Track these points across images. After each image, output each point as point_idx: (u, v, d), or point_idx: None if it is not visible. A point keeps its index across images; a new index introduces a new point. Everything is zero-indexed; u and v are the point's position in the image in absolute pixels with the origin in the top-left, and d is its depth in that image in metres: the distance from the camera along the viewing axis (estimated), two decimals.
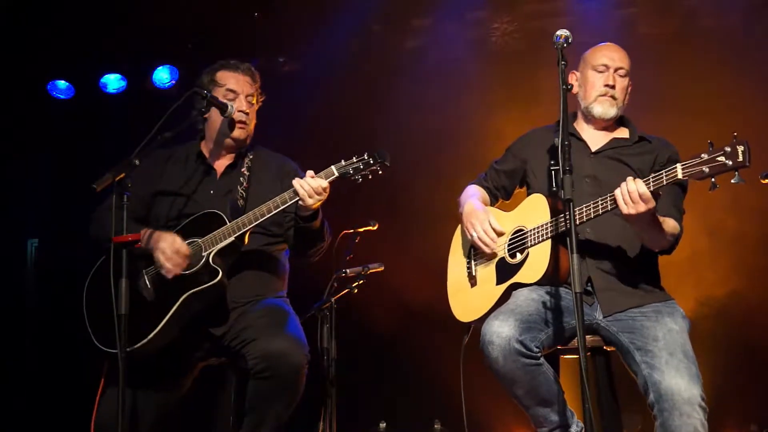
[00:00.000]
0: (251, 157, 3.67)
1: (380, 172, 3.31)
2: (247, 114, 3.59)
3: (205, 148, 3.68)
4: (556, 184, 2.90)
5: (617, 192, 2.92)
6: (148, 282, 3.36)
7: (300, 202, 3.30)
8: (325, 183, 3.28)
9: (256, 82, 3.68)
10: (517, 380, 2.99)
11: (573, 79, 3.45)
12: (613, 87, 3.33)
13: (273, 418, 3.25)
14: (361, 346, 5.43)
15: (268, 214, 3.32)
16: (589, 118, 3.40)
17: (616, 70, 3.34)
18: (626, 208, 2.90)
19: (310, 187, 3.26)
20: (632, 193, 2.88)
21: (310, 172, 3.31)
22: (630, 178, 2.92)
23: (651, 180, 2.88)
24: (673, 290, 3.28)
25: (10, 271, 6.41)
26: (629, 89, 3.40)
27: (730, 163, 2.68)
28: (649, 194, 2.87)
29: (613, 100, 3.34)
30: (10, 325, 6.23)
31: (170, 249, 3.28)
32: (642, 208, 2.88)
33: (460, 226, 3.56)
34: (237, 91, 3.59)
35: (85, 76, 6.44)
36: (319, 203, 3.31)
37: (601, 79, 3.33)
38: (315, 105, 6.00)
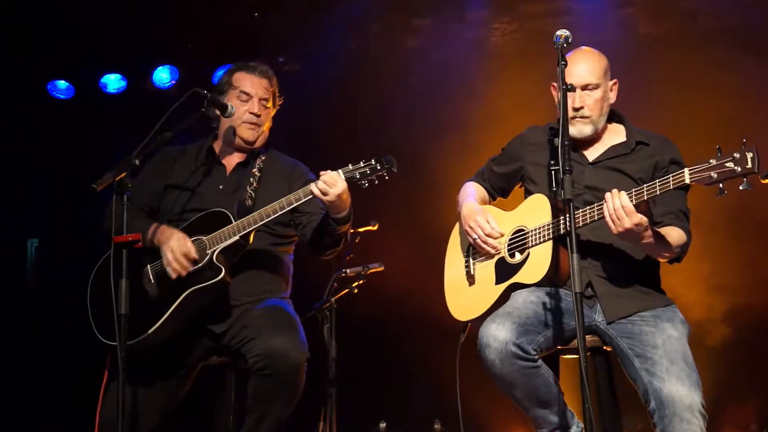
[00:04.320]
0: (264, 158, 3.69)
1: (387, 178, 3.27)
2: (258, 116, 3.61)
3: (217, 147, 3.72)
4: (556, 184, 2.87)
5: (605, 212, 2.89)
6: (152, 277, 3.39)
7: (328, 204, 3.26)
8: (333, 173, 3.22)
9: (272, 85, 3.71)
10: (515, 383, 2.98)
11: (553, 91, 3.36)
12: (581, 108, 3.21)
13: (273, 416, 3.27)
14: (361, 347, 5.43)
15: (274, 214, 3.31)
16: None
17: (583, 88, 3.20)
18: (615, 228, 2.88)
19: (323, 183, 3.22)
20: (618, 210, 2.85)
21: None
22: (614, 191, 2.88)
23: (645, 189, 2.85)
24: (673, 291, 3.28)
25: (10, 271, 6.41)
26: (611, 93, 3.28)
27: (739, 169, 2.66)
28: (631, 207, 2.83)
29: (584, 119, 3.23)
30: (11, 325, 6.22)
31: (179, 250, 3.30)
32: (627, 223, 2.84)
33: (458, 224, 3.55)
34: (250, 93, 3.62)
35: (85, 76, 6.44)
36: (337, 198, 3.22)
37: (570, 101, 3.17)
38: (315, 105, 5.99)
